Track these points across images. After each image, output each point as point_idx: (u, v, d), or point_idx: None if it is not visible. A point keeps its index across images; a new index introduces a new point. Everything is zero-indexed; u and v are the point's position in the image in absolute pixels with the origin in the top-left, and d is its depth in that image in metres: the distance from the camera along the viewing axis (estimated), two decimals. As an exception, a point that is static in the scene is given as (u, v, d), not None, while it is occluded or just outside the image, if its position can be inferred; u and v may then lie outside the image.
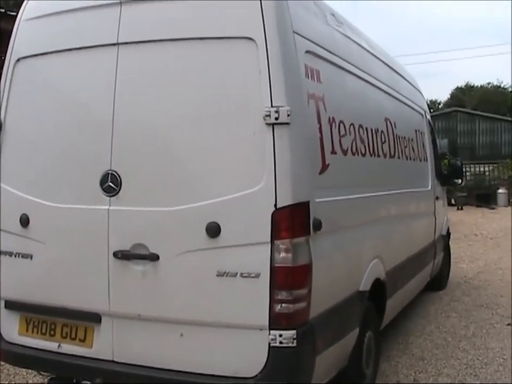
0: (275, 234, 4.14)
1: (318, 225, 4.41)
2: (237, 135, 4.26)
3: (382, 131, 6.52)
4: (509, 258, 13.63)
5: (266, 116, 4.12)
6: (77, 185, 4.76)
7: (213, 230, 4.22)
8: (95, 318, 4.64)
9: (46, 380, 5.27)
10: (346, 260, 5.21)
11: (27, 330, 4.98)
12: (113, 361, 4.59)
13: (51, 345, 4.84)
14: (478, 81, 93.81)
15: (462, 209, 27.07)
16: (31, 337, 4.95)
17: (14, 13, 10.47)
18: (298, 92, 4.39)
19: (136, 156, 4.52)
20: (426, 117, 9.98)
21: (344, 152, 5.27)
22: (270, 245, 4.14)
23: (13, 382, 6.35)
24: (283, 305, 4.14)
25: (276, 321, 4.14)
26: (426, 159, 9.33)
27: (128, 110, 4.56)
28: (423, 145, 9.17)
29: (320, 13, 5.33)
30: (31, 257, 4.90)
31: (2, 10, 10.68)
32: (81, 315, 4.69)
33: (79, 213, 4.70)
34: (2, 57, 5.17)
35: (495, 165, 32.99)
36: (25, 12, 5.16)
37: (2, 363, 6.33)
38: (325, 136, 4.84)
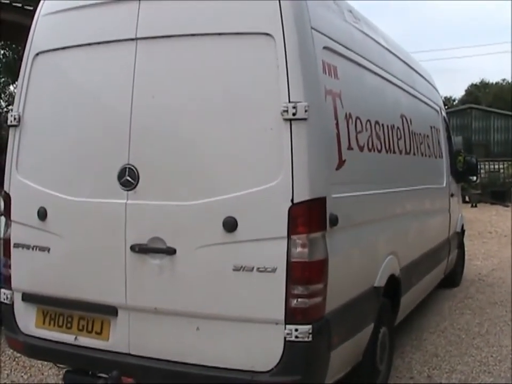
0: (292, 229, 4.15)
1: (334, 221, 4.43)
2: (255, 130, 4.27)
3: (398, 127, 6.53)
4: (523, 256, 13.59)
5: (284, 111, 4.13)
6: (95, 179, 4.79)
7: (230, 225, 4.24)
8: (112, 311, 4.67)
9: (62, 372, 5.30)
10: (361, 255, 5.23)
11: (44, 323, 5.02)
12: (129, 354, 4.62)
13: (68, 338, 4.87)
14: (493, 78, 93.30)
15: (476, 206, 26.91)
16: (48, 330, 4.99)
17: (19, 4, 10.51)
18: (315, 88, 4.40)
19: (153, 151, 4.54)
20: (441, 113, 9.97)
21: (361, 148, 5.29)
22: (286, 239, 4.15)
23: (29, 374, 6.40)
24: (299, 299, 4.15)
25: (291, 316, 4.16)
26: (442, 156, 9.33)
27: (146, 105, 4.57)
28: (439, 142, 9.16)
29: (338, 9, 5.34)
30: (49, 250, 4.93)
31: (6, 1, 10.66)
32: (97, 308, 4.72)
33: (96, 206, 4.73)
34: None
35: (510, 162, 32.79)
36: (44, 7, 5.19)
37: (18, 355, 6.40)
38: (341, 132, 4.86)
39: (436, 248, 8.44)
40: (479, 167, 13.20)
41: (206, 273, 4.36)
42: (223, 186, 4.32)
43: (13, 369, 6.52)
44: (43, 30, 5.16)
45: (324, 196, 4.33)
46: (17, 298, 5.14)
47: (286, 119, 4.15)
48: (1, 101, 29.51)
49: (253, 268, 4.22)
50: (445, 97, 62.49)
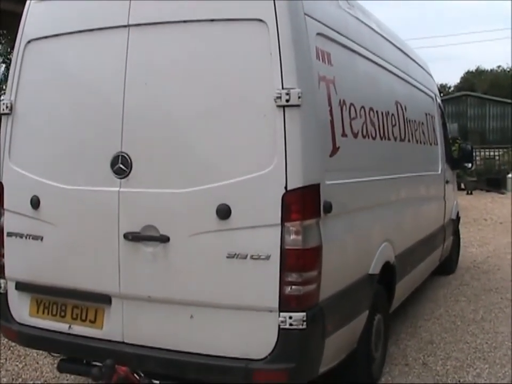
0: (285, 216, 4.14)
1: (328, 208, 4.41)
2: (248, 117, 4.25)
3: (392, 114, 6.51)
4: (518, 243, 13.61)
5: (277, 98, 4.11)
6: (88, 167, 4.76)
7: (224, 212, 4.22)
8: (105, 299, 4.66)
9: (56, 361, 5.29)
10: (356, 242, 5.22)
11: (38, 312, 5.01)
12: (123, 343, 4.61)
13: (62, 327, 4.86)
14: (488, 65, 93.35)
15: (471, 193, 26.91)
16: (42, 319, 4.98)
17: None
18: (309, 74, 4.38)
19: (146, 138, 4.52)
20: (436, 100, 9.95)
21: (355, 135, 5.27)
22: (280, 227, 4.14)
23: (24, 363, 6.39)
24: (293, 287, 4.15)
25: (285, 303, 4.16)
26: (437, 143, 9.32)
27: (139, 92, 4.55)
28: (434, 129, 9.14)
29: (332, -5, 5.30)
30: (42, 239, 4.91)
31: None
32: (91, 296, 4.71)
33: (89, 194, 4.71)
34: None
35: (505, 149, 32.80)
36: (36, -6, 5.14)
37: (13, 344, 6.39)
38: (335, 118, 4.84)
39: (431, 235, 8.45)
40: (474, 154, 13.21)
41: (200, 261, 4.34)
42: (216, 173, 4.30)
43: (8, 358, 6.52)
44: (35, 17, 5.11)
45: (318, 183, 4.32)
46: (11, 287, 5.13)
47: (279, 106, 4.13)
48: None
49: (246, 256, 4.21)
50: (441, 85, 62.37)
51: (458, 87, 68.39)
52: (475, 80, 70.04)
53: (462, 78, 75.24)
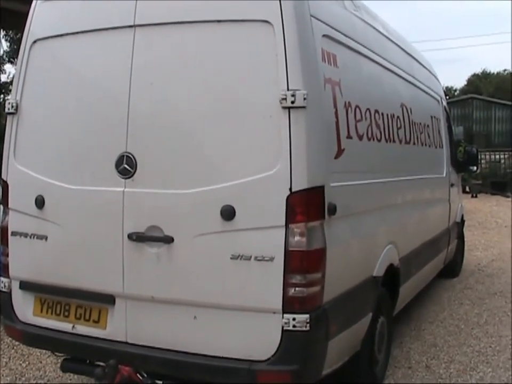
0: (290, 218, 4.13)
1: (332, 210, 4.41)
2: (253, 118, 4.25)
3: (398, 116, 6.50)
4: (523, 246, 13.57)
5: (283, 99, 4.11)
6: (93, 167, 4.76)
7: (228, 213, 4.22)
8: (109, 299, 4.66)
9: (60, 361, 5.30)
10: (360, 245, 5.21)
11: (41, 311, 5.01)
12: (126, 343, 4.61)
13: (65, 326, 4.86)
14: (494, 68, 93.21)
15: (476, 197, 26.87)
16: (46, 318, 4.98)
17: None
18: (314, 76, 4.37)
19: (151, 139, 4.52)
20: (442, 103, 9.94)
21: (360, 137, 5.26)
22: (284, 228, 4.14)
23: (27, 362, 6.40)
24: (297, 289, 4.14)
25: (289, 305, 4.15)
26: (442, 146, 9.30)
27: (144, 93, 4.55)
28: (439, 132, 9.13)
29: (338, -4, 5.31)
30: (46, 238, 4.91)
31: None
32: (95, 296, 4.71)
33: (94, 194, 4.71)
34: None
35: (510, 152, 32.69)
36: (42, -6, 5.15)
37: (16, 343, 6.40)
38: (340, 120, 4.83)
39: (435, 238, 8.43)
40: (479, 157, 13.18)
41: (204, 262, 4.34)
42: (221, 174, 4.30)
43: (11, 357, 6.53)
44: (41, 17, 5.12)
45: (322, 185, 4.31)
46: (15, 286, 5.13)
47: (284, 107, 4.12)
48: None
49: (250, 257, 4.20)
50: (446, 87, 62.31)
51: (463, 90, 68.32)
52: (480, 83, 69.93)
53: (467, 80, 75.21)
